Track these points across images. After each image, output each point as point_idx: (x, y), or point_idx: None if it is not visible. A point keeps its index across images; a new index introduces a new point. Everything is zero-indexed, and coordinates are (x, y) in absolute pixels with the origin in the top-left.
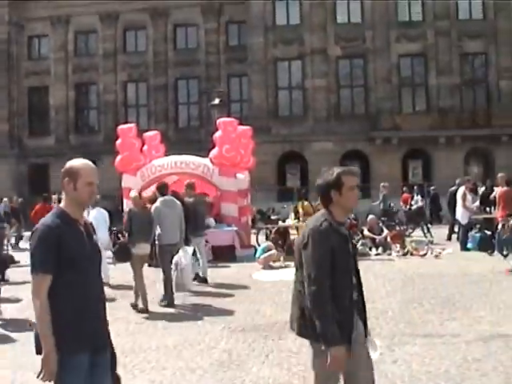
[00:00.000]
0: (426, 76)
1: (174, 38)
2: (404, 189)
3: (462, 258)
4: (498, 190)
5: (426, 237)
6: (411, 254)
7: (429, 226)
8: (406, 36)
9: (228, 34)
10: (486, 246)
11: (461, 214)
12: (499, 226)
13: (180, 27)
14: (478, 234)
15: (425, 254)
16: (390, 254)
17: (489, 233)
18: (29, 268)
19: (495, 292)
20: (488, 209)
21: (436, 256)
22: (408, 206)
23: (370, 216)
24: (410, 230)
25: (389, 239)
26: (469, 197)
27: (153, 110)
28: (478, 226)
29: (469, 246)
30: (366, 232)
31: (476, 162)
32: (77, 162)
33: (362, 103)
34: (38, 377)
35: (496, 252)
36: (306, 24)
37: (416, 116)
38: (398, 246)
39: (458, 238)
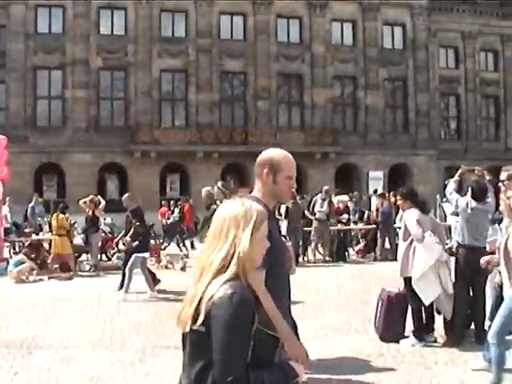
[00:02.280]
0: (187, 92)
1: None
2: (163, 202)
3: None
4: None
5: (181, 250)
6: (166, 268)
7: (191, 240)
8: (168, 51)
9: None
10: None
11: None
12: None
13: None
14: None
15: (183, 268)
16: None
17: None
18: None
19: None
20: None
21: (181, 268)
22: (165, 220)
23: None
24: (166, 244)
25: None
26: None
27: None
28: None
29: None
30: (120, 246)
31: (232, 177)
32: (278, 153)
33: (121, 116)
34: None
35: None
36: (69, 33)
37: (175, 130)
38: (154, 259)
39: None
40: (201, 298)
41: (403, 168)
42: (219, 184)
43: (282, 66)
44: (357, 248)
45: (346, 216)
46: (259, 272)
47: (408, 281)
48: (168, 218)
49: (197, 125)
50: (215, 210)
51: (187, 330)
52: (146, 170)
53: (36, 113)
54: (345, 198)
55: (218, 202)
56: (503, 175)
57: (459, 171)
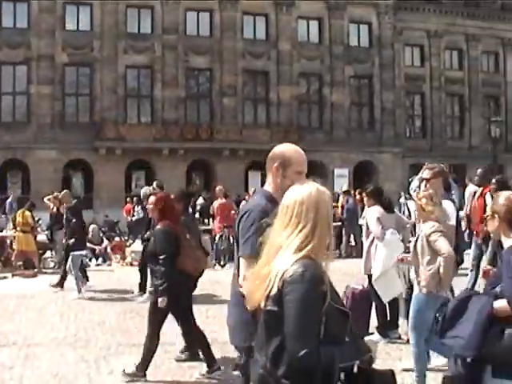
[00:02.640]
0: (152, 88)
1: None
2: (128, 199)
3: None
4: (216, 203)
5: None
6: (131, 265)
7: None
8: (133, 48)
9: None
10: None
11: None
12: (217, 237)
13: None
14: None
15: None
16: (110, 265)
17: None
18: None
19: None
20: (206, 220)
21: (131, 264)
22: (130, 217)
23: (92, 226)
24: (131, 241)
25: (109, 250)
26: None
27: None
28: None
29: None
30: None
31: (198, 174)
32: (289, 148)
33: (87, 112)
34: None
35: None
36: (34, 28)
37: (140, 127)
38: (119, 256)
39: None
40: (274, 277)
41: (369, 165)
42: (155, 184)
43: (248, 63)
44: None
45: None
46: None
47: (371, 278)
48: (133, 215)
49: (162, 121)
50: None
51: (261, 307)
52: (112, 166)
53: (0, 108)
54: None
55: None
56: (426, 173)
57: (423, 168)
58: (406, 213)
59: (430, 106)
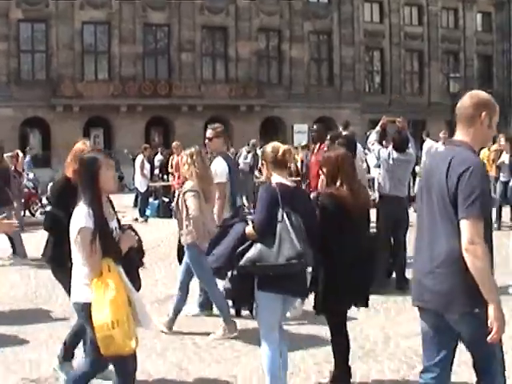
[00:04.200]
0: (109, 44)
1: None
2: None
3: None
4: (175, 158)
5: None
6: None
7: None
8: (90, 3)
9: None
10: (164, 212)
11: (139, 182)
12: (176, 194)
13: None
14: (156, 201)
15: None
16: None
17: (166, 200)
18: None
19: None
20: (166, 177)
21: None
22: None
23: (50, 184)
24: None
25: None
26: (147, 165)
27: None
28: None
29: (148, 213)
30: (44, 201)
31: (157, 130)
32: (490, 97)
33: (43, 69)
34: None
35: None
36: None
37: (98, 84)
38: None
39: (136, 205)
40: None
41: (328, 121)
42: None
43: (207, 19)
44: None
45: None
46: None
47: None
48: None
49: (120, 78)
50: None
51: None
52: (69, 124)
53: None
54: None
55: None
56: (208, 132)
57: (381, 121)
58: (365, 166)
59: (389, 62)
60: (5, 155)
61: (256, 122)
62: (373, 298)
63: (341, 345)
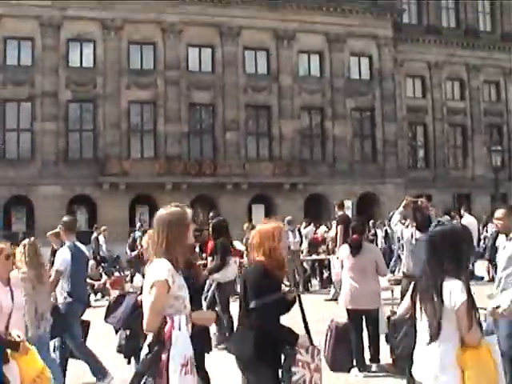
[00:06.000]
0: (155, 123)
1: None
2: (131, 234)
3: None
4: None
5: None
6: None
7: None
8: (136, 83)
9: None
10: None
11: None
12: None
13: None
14: None
15: None
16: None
17: None
18: None
19: None
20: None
21: None
22: (130, 251)
23: (91, 262)
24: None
25: (108, 285)
26: None
27: None
28: None
29: None
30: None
31: (202, 208)
32: None
33: (90, 148)
34: None
35: None
36: (38, 66)
37: (144, 162)
38: (118, 292)
39: None
40: None
41: (372, 197)
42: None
43: (250, 98)
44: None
45: (324, 247)
46: None
47: (348, 312)
48: (133, 250)
49: (165, 156)
50: None
51: None
52: (115, 201)
53: (5, 145)
54: (323, 228)
55: None
56: None
57: (404, 202)
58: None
59: (432, 137)
60: (48, 233)
61: (299, 199)
62: (396, 381)
63: None
